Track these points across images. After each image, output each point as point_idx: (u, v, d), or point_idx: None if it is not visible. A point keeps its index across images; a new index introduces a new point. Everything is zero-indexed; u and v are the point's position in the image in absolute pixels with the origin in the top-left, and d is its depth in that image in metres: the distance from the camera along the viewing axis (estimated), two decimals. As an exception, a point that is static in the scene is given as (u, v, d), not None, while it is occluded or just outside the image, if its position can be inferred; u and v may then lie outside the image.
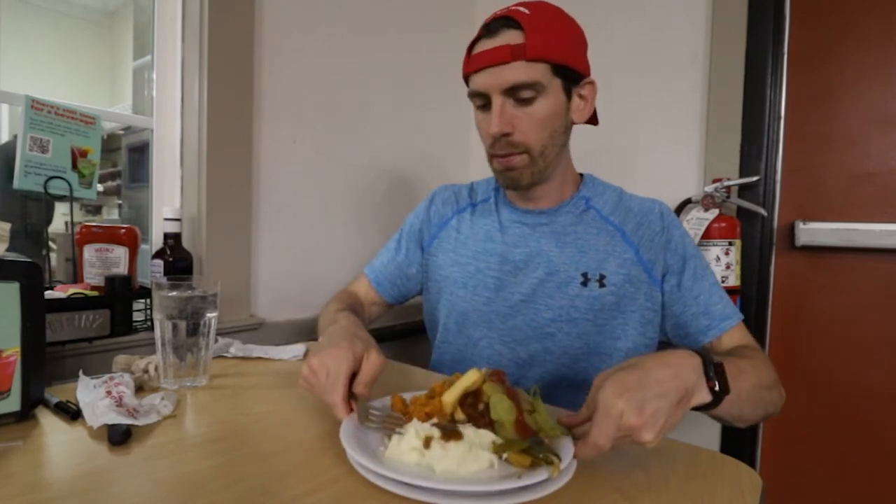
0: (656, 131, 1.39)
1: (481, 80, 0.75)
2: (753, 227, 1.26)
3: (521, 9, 0.74)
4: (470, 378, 0.54)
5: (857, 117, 1.18)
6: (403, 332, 1.41)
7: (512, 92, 0.74)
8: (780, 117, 1.26)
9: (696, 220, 1.23)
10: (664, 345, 0.88)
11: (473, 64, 0.76)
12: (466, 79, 0.79)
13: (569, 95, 0.78)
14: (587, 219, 0.85)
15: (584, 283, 0.81)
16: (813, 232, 1.21)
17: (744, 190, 1.26)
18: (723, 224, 1.21)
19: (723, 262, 1.20)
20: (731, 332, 0.79)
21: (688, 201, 1.31)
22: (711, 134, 1.30)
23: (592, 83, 0.81)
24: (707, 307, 0.80)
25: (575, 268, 0.82)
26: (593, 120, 0.85)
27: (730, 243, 1.20)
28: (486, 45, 0.74)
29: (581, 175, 0.91)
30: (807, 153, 1.24)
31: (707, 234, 1.21)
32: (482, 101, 0.78)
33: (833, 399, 1.23)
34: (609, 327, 0.82)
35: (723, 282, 1.20)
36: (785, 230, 1.26)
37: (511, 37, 0.72)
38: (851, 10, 1.18)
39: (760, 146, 1.24)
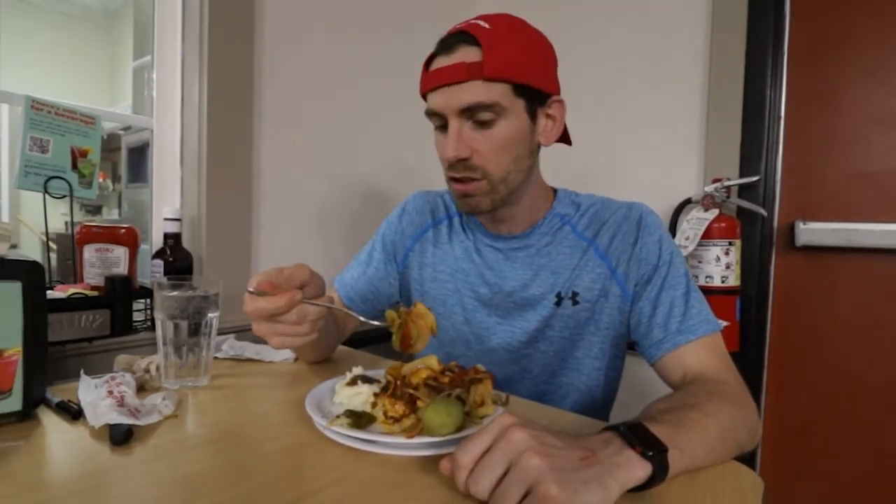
0: (656, 131, 1.39)
1: (437, 100, 0.70)
2: (753, 227, 1.26)
3: (481, 23, 0.68)
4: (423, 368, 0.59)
5: (858, 117, 1.18)
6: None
7: (469, 113, 0.69)
8: (780, 117, 1.26)
9: (696, 220, 1.23)
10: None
11: (429, 82, 0.71)
12: (424, 97, 0.75)
13: (533, 117, 0.73)
14: (560, 237, 0.81)
15: (558, 304, 0.79)
16: (813, 232, 1.21)
17: (744, 190, 1.26)
18: (723, 224, 1.21)
19: (723, 262, 1.20)
20: (693, 346, 0.70)
21: (688, 201, 1.31)
22: (711, 134, 1.30)
23: (561, 102, 0.76)
24: (666, 318, 0.72)
25: (550, 289, 0.79)
26: (565, 139, 0.79)
27: (730, 243, 1.20)
28: (441, 61, 0.69)
29: (554, 190, 0.85)
30: (807, 153, 1.24)
31: (707, 234, 1.21)
32: (439, 121, 0.73)
33: (834, 400, 1.23)
34: (585, 343, 0.80)
35: (722, 282, 1.20)
36: (785, 230, 1.26)
37: (467, 54, 0.67)
38: (852, 9, 1.18)
39: (760, 146, 1.24)
